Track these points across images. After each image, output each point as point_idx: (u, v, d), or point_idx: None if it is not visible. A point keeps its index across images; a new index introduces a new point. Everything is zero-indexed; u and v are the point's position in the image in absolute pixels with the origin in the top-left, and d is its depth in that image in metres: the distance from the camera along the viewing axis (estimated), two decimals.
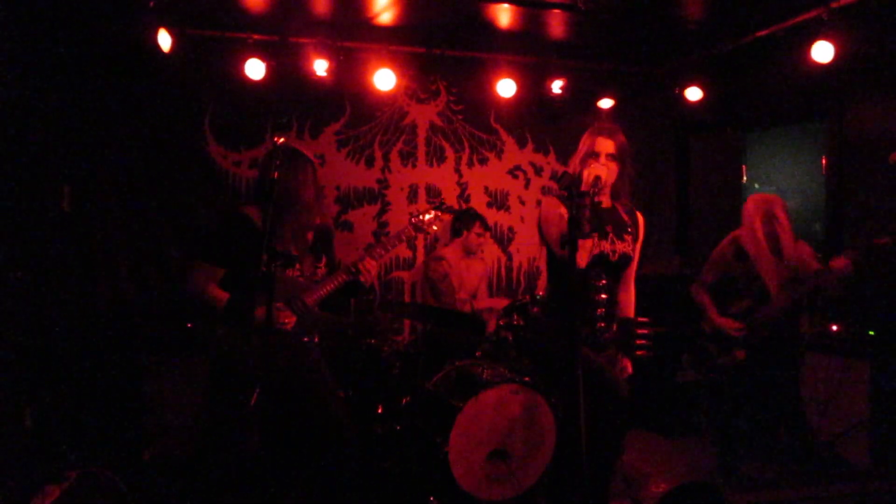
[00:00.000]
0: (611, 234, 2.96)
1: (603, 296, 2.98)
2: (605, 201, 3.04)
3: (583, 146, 3.00)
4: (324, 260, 3.16)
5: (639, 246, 3.10)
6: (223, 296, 2.90)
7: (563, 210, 2.76)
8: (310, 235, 3.11)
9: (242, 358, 2.84)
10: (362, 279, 3.01)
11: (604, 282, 2.97)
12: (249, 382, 2.61)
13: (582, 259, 2.75)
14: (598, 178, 2.76)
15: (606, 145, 2.94)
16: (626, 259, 3.01)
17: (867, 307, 4.41)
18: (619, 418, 2.95)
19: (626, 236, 3.01)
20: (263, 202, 2.94)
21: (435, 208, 3.21)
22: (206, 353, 2.91)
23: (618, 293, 3.08)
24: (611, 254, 2.95)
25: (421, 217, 3.18)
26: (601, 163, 2.90)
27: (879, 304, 4.39)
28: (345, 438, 3.00)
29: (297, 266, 3.03)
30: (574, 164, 2.99)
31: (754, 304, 3.86)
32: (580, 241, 2.64)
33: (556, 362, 3.07)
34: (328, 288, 2.99)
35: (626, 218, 3.06)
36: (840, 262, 3.61)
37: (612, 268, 2.98)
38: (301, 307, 2.96)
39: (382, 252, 3.09)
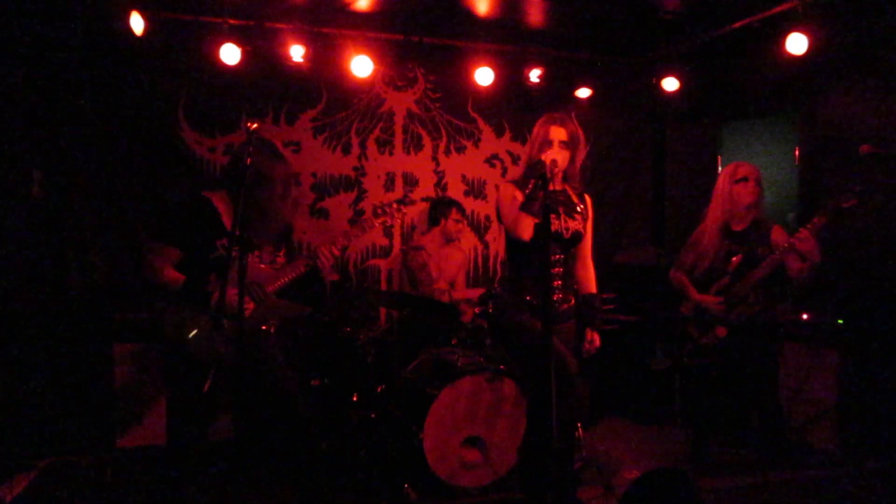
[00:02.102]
0: (562, 214, 3.21)
1: (558, 269, 3.20)
2: (557, 184, 3.27)
3: (537, 135, 3.24)
4: (283, 250, 3.16)
5: (590, 225, 3.36)
6: (179, 278, 2.89)
7: (518, 194, 3.12)
8: (272, 228, 3.09)
9: (193, 343, 2.82)
10: (323, 274, 3.06)
11: (558, 256, 3.20)
12: (204, 368, 2.61)
13: (526, 232, 3.03)
14: (554, 161, 3.08)
15: (559, 133, 3.19)
16: (578, 235, 3.26)
17: (837, 295, 4.50)
18: (567, 389, 3.01)
19: (576, 215, 3.27)
20: (232, 187, 2.93)
21: (398, 201, 3.32)
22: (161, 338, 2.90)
23: (574, 268, 3.34)
24: (563, 231, 3.19)
25: (384, 208, 3.27)
26: (555, 150, 3.16)
27: (848, 292, 4.48)
28: (300, 426, 3.01)
29: (257, 253, 3.02)
30: (530, 152, 3.25)
31: (733, 282, 3.89)
32: (530, 218, 2.99)
33: (514, 336, 3.29)
34: (289, 276, 3.02)
35: (575, 199, 3.32)
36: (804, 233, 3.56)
37: (565, 244, 3.22)
38: (260, 293, 2.95)
39: (346, 243, 3.14)
